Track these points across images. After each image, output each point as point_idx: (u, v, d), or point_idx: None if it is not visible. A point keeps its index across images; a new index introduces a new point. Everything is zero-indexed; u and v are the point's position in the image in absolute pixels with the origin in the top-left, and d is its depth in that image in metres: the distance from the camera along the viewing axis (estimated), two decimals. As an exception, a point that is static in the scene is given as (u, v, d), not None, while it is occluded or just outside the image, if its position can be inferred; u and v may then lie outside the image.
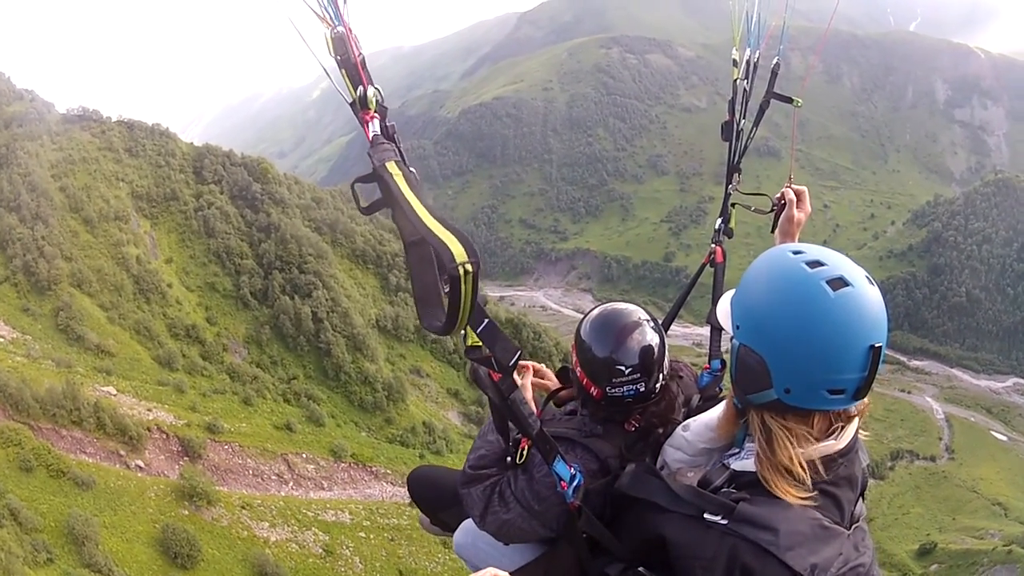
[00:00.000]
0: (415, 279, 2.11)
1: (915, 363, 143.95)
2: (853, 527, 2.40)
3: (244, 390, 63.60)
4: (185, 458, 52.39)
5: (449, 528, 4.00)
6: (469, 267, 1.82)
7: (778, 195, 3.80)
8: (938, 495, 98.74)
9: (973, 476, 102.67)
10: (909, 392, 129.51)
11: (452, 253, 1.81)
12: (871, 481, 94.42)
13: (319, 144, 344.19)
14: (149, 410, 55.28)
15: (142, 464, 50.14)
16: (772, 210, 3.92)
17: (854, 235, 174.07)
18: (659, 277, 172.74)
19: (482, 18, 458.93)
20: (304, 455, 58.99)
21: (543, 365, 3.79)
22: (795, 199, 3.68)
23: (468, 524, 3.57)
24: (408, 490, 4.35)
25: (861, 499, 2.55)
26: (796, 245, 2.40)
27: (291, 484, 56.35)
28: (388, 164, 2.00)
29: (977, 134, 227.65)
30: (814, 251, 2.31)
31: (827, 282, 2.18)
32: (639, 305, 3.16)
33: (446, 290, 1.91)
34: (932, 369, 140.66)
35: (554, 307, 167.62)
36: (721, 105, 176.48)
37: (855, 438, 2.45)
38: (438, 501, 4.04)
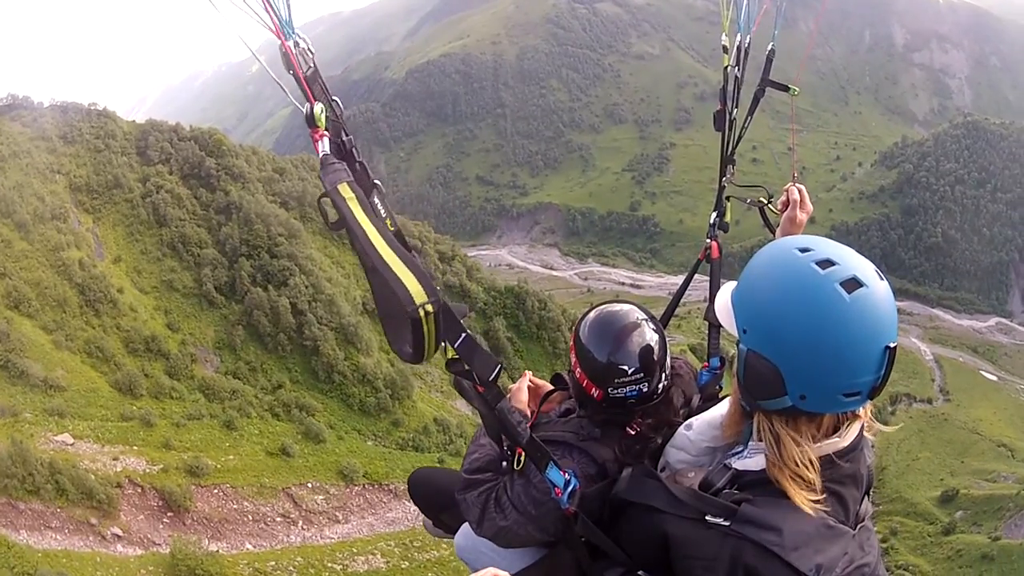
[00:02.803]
0: (379, 302, 1.92)
1: (896, 304, 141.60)
2: (859, 527, 2.31)
3: (224, 411, 51.19)
4: (169, 514, 40.68)
5: (452, 530, 3.79)
6: (430, 308, 1.76)
7: (782, 198, 3.65)
8: (942, 438, 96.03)
9: (972, 417, 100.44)
10: None
11: (411, 294, 1.74)
12: (877, 426, 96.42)
13: (262, 118, 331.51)
14: (115, 458, 42.95)
15: (120, 532, 38.61)
16: (768, 203, 3.95)
17: (822, 177, 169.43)
18: (626, 227, 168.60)
19: None
20: (309, 484, 47.10)
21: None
22: (799, 199, 3.56)
23: (468, 527, 3.30)
24: (409, 493, 4.19)
25: (866, 497, 2.46)
26: (801, 240, 2.25)
27: (300, 524, 44.49)
28: (340, 187, 1.86)
29: (938, 76, 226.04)
30: (821, 247, 2.16)
31: (841, 284, 2.05)
32: (635, 304, 3.00)
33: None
34: (913, 310, 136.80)
35: (521, 264, 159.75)
36: (675, 52, 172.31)
37: (860, 435, 2.34)
38: (439, 503, 3.84)
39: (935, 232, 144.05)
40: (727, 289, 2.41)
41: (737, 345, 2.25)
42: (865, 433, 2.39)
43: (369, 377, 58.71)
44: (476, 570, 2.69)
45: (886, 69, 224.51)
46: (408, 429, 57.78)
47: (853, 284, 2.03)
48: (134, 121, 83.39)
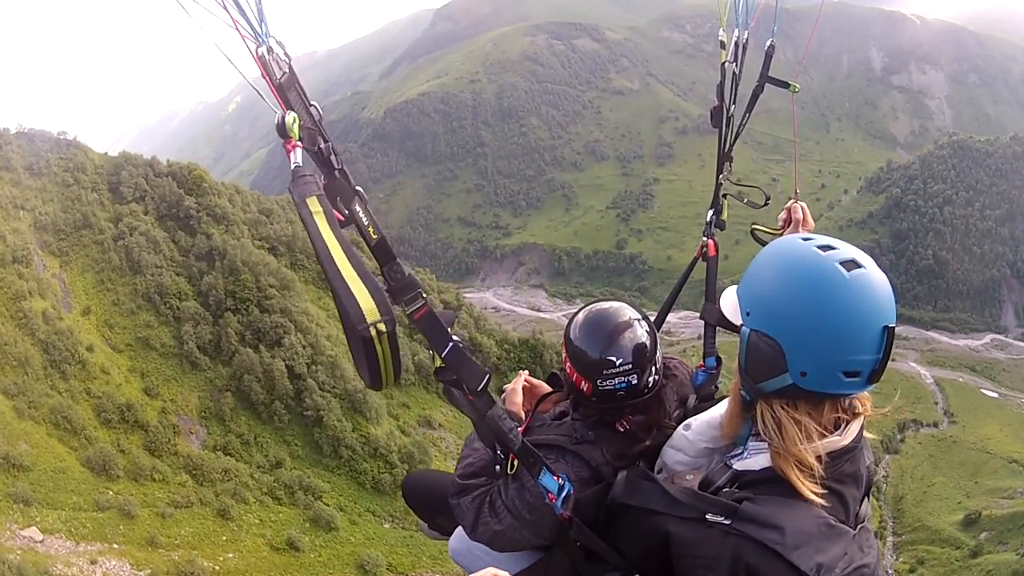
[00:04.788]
0: (344, 324, 1.83)
1: None
2: (858, 527, 2.28)
3: (216, 496, 44.05)
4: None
5: (448, 533, 3.69)
6: (382, 327, 1.70)
7: (783, 215, 3.73)
8: (953, 461, 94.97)
9: (980, 437, 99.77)
10: (893, 359, 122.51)
11: (362, 312, 1.68)
12: (888, 456, 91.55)
13: (238, 159, 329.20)
14: (93, 561, 36.49)
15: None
16: (765, 204, 4.11)
17: (808, 207, 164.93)
18: (613, 266, 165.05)
19: (394, 18, 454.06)
20: (326, 585, 39.49)
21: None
22: (801, 217, 3.62)
23: (463, 530, 3.22)
24: (403, 497, 4.15)
25: (866, 498, 2.44)
26: (803, 234, 2.38)
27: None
28: (308, 201, 1.80)
29: (917, 98, 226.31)
30: (822, 238, 2.25)
31: (841, 263, 2.11)
32: (627, 302, 2.94)
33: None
34: (909, 334, 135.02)
35: (507, 307, 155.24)
36: (654, 86, 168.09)
37: (860, 435, 2.34)
38: (434, 507, 3.74)
39: (926, 255, 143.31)
40: (733, 288, 2.42)
41: (741, 330, 2.24)
42: (865, 432, 2.38)
43: (382, 450, 51.90)
44: (472, 573, 2.77)
45: (865, 94, 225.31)
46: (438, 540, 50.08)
47: (852, 264, 2.09)
48: (106, 154, 76.27)
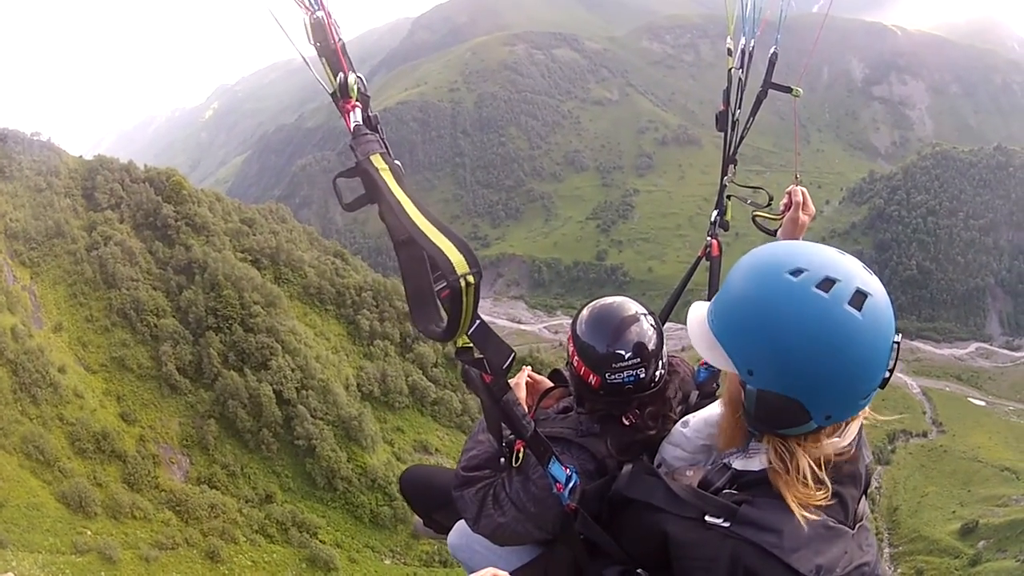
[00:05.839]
0: (407, 279, 1.92)
1: None
2: (857, 526, 2.28)
3: (203, 535, 40.61)
4: None
5: (444, 530, 3.73)
6: (471, 279, 1.73)
7: (784, 200, 3.74)
8: (945, 470, 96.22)
9: (970, 445, 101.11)
10: None
11: (452, 263, 1.70)
12: (880, 467, 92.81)
13: (214, 166, 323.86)
14: None
15: None
16: (767, 204, 4.10)
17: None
18: (594, 277, 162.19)
19: (372, 26, 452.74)
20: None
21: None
22: (801, 201, 3.64)
23: (462, 525, 3.34)
24: (400, 491, 4.11)
25: (864, 498, 2.45)
26: (785, 258, 2.12)
27: None
28: (373, 157, 1.83)
29: (898, 109, 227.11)
30: (809, 262, 2.07)
31: (850, 304, 2.00)
32: (633, 299, 2.97)
33: (441, 295, 1.83)
34: None
35: (486, 319, 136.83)
36: (634, 96, 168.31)
37: (859, 435, 2.34)
38: (433, 501, 3.77)
39: (910, 265, 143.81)
40: (699, 314, 2.32)
41: (744, 388, 2.14)
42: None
43: (380, 481, 48.74)
44: (472, 569, 2.81)
45: (846, 105, 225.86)
46: (431, 540, 47.02)
47: (860, 298, 2.00)
48: (81, 157, 72.29)
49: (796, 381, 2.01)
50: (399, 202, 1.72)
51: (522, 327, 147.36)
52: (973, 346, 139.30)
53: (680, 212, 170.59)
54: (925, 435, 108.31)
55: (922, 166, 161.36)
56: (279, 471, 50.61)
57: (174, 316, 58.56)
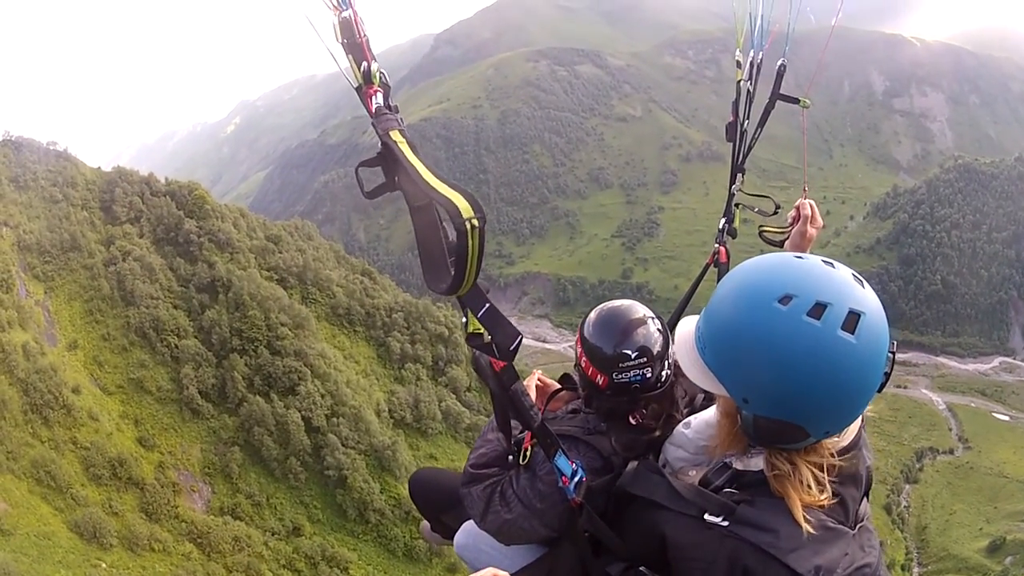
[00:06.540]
0: (421, 244, 2.02)
1: (901, 356, 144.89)
2: (858, 527, 2.30)
3: (227, 572, 39.97)
4: None
5: (451, 533, 3.78)
6: (476, 222, 1.81)
7: (792, 213, 3.73)
8: (971, 487, 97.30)
9: (995, 461, 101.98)
10: (905, 387, 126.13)
11: (458, 208, 1.80)
12: (908, 486, 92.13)
13: (235, 181, 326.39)
14: None
15: None
16: (775, 212, 4.21)
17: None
18: (620, 295, 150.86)
19: (395, 42, 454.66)
20: None
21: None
22: (809, 214, 3.62)
23: (469, 525, 3.43)
24: (409, 493, 4.17)
25: (865, 498, 2.45)
26: (776, 286, 2.06)
27: None
28: (392, 132, 1.95)
29: (919, 122, 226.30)
30: (796, 287, 2.03)
31: (843, 328, 1.97)
32: (638, 303, 3.04)
33: (452, 259, 1.90)
34: (919, 360, 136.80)
35: None
36: (657, 112, 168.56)
37: (859, 434, 2.35)
38: (441, 504, 3.84)
39: (934, 280, 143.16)
40: (688, 337, 2.32)
41: (741, 414, 2.16)
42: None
43: (415, 514, 46.64)
44: (476, 569, 2.85)
45: (867, 118, 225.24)
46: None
47: (853, 320, 1.96)
48: (99, 168, 71.58)
49: (793, 409, 2.02)
50: (414, 167, 1.84)
51: (547, 346, 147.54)
52: (997, 360, 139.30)
53: (705, 229, 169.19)
54: (952, 452, 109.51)
55: (945, 179, 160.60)
56: (307, 501, 49.42)
57: (196, 336, 57.70)
